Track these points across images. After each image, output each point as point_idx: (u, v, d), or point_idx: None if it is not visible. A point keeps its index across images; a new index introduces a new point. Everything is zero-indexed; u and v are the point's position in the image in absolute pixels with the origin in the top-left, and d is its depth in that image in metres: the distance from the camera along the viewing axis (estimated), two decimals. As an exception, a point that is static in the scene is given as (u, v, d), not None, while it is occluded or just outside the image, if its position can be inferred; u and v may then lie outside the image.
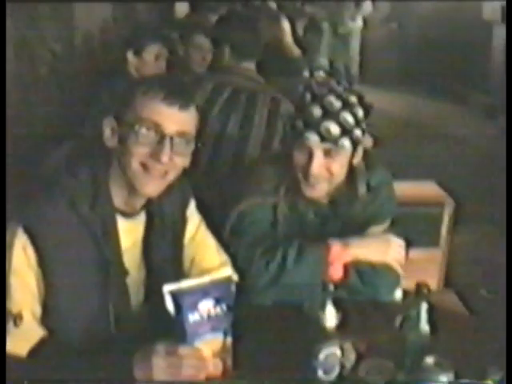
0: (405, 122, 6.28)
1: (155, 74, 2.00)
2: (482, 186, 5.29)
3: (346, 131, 1.95)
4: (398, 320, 1.71)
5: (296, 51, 4.45)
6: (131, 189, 1.69)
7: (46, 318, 1.62)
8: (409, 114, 7.00)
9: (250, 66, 2.94)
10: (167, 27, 4.23)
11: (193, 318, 1.52)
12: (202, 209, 1.98)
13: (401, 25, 9.70)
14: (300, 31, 5.17)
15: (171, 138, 1.63)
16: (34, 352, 1.57)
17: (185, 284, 1.54)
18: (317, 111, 1.94)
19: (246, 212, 2.04)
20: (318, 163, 1.96)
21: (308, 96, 1.99)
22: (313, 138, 1.94)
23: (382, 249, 2.03)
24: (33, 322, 1.59)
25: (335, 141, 1.95)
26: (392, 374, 1.59)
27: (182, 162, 1.69)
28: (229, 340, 1.59)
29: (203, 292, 1.54)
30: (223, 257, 1.94)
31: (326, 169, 1.98)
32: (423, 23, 9.28)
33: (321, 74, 6.53)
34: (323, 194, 2.06)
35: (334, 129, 1.94)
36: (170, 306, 1.52)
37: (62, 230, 1.61)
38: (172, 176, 1.69)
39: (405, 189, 2.19)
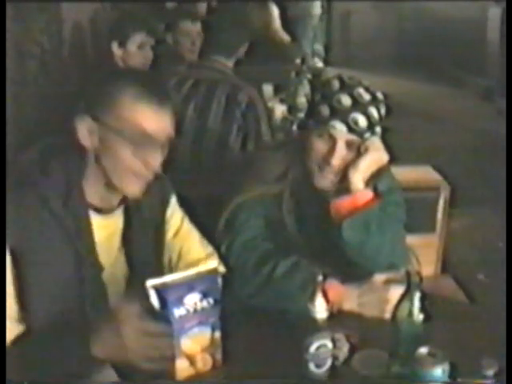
0: (400, 106, 6.21)
1: (129, 71, 1.94)
2: (478, 170, 5.25)
3: (371, 125, 1.91)
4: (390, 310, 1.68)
5: (286, 37, 4.40)
6: (109, 186, 1.66)
7: (23, 316, 1.58)
8: (404, 97, 6.95)
9: (222, 58, 3.02)
10: (154, 16, 4.16)
11: (178, 312, 1.48)
12: (190, 203, 1.93)
13: (394, 7, 9.59)
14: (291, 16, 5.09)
15: (158, 140, 1.60)
16: (14, 349, 1.54)
17: (169, 278, 1.50)
18: (346, 100, 1.90)
19: (243, 205, 1.96)
20: (340, 154, 1.90)
21: (336, 83, 1.94)
22: (339, 128, 1.89)
23: (380, 306, 1.81)
24: (7, 319, 1.55)
25: (361, 133, 1.90)
26: (386, 366, 1.55)
27: (162, 159, 1.66)
28: (217, 334, 1.56)
29: (189, 286, 1.50)
30: (209, 248, 1.91)
31: (344, 160, 1.91)
32: (417, 5, 9.20)
33: (316, 60, 6.49)
34: (330, 185, 1.96)
35: (362, 121, 1.89)
36: (154, 301, 1.48)
37: (35, 227, 1.58)
38: (153, 173, 1.66)
39: (400, 173, 2.14)
